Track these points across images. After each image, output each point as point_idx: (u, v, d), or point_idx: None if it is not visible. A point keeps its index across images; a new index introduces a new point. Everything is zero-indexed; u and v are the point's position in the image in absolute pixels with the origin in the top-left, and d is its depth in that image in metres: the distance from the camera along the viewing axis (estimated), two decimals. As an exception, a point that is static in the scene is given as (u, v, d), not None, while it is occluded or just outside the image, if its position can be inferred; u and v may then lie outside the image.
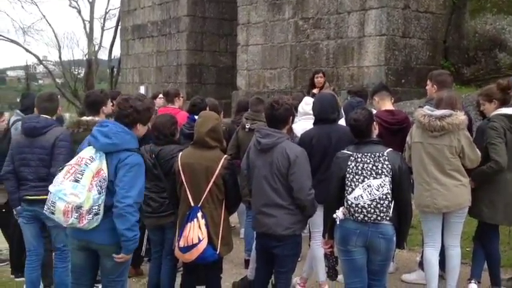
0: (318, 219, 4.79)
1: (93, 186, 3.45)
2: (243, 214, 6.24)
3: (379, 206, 3.72)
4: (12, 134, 5.48)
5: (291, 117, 4.19)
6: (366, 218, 3.72)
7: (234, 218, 7.08)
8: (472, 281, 4.69)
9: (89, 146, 3.61)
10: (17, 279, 5.60)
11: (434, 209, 4.45)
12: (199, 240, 3.94)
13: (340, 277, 5.16)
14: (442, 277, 4.72)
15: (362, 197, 3.71)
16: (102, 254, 3.67)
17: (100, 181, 3.48)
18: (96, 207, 3.46)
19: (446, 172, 4.41)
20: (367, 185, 3.71)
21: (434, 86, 5.11)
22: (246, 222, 5.87)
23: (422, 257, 5.02)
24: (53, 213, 3.49)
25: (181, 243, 4.00)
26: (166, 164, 4.43)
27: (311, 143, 4.57)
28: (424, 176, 4.46)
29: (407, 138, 4.66)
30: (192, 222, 3.98)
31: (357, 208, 3.73)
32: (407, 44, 10.20)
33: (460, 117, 4.36)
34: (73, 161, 3.57)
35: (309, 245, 5.00)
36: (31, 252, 4.68)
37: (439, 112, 4.39)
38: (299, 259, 5.83)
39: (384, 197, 3.72)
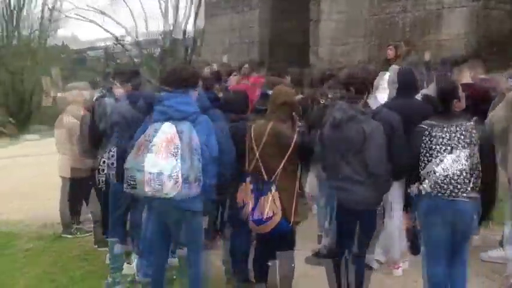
0: (393, 194, 4.72)
1: (167, 154, 3.62)
2: (316, 190, 6.22)
3: (468, 176, 3.58)
4: (95, 110, 5.74)
5: (367, 92, 4.12)
6: (456, 190, 3.59)
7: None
8: (557, 261, 4.49)
9: (155, 123, 3.79)
10: (100, 249, 5.88)
11: None
12: (274, 214, 4.00)
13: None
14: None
15: (451, 168, 3.59)
16: (180, 219, 3.84)
17: (174, 149, 3.64)
18: (175, 174, 3.63)
19: None
20: (456, 156, 3.59)
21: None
22: (318, 198, 5.86)
23: (503, 235, 4.85)
24: (134, 188, 3.67)
25: (256, 216, 4.07)
26: (237, 140, 4.45)
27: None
28: None
29: (491, 112, 4.46)
30: (266, 196, 4.03)
31: (445, 180, 3.60)
32: (489, 15, 9.71)
33: None
34: (141, 138, 3.76)
35: (383, 222, 4.93)
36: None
37: None
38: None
39: (474, 167, 3.60)
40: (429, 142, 3.68)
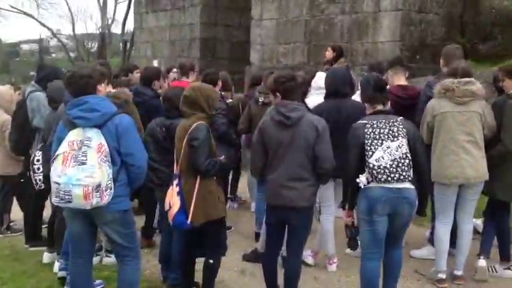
0: (327, 192, 4.84)
1: (101, 163, 3.48)
2: (253, 188, 6.28)
3: (400, 165, 3.76)
4: (28, 105, 5.56)
5: (297, 95, 4.12)
6: (389, 179, 3.75)
7: (245, 193, 7.14)
8: (481, 257, 4.70)
9: (74, 128, 3.60)
10: (31, 249, 5.71)
11: (463, 179, 4.43)
12: (170, 207, 4.01)
13: (349, 250, 5.21)
14: (450, 253, 4.74)
15: (383, 158, 3.76)
16: (103, 221, 3.72)
17: (105, 156, 3.52)
18: (110, 181, 3.52)
19: (474, 141, 4.41)
20: (387, 147, 3.77)
21: (442, 60, 5.10)
22: (257, 196, 5.91)
23: (431, 232, 5.04)
24: (69, 202, 3.48)
25: (165, 207, 4.12)
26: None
27: (321, 117, 4.59)
28: (452, 146, 4.42)
29: (425, 114, 4.61)
30: (171, 187, 4.05)
31: (379, 170, 3.76)
32: (423, 20, 10.07)
33: (481, 85, 4.43)
34: (64, 148, 3.53)
35: (319, 219, 5.03)
36: None
37: (465, 79, 4.40)
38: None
39: (404, 156, 3.78)
40: (362, 138, 3.83)
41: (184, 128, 4.05)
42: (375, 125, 3.84)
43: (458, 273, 4.64)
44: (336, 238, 5.10)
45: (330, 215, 4.90)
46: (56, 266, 4.93)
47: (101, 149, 3.51)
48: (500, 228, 4.75)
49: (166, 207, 4.09)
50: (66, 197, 3.46)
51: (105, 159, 3.51)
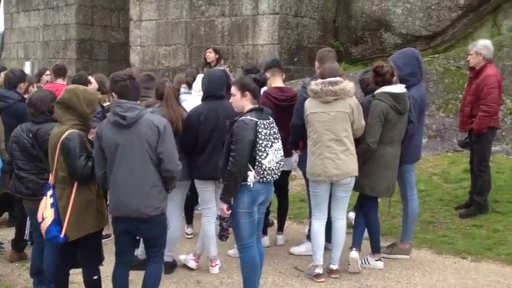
0: (208, 196, 4.83)
1: None
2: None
3: (280, 167, 4.08)
4: None
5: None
6: (271, 178, 4.04)
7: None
8: (354, 249, 4.90)
9: None
10: None
11: (325, 177, 4.58)
12: (43, 219, 3.79)
13: (231, 251, 5.24)
14: (326, 248, 4.91)
15: (273, 160, 3.99)
16: None
17: None
18: None
19: (338, 140, 4.56)
20: (275, 149, 4.01)
21: (317, 62, 5.28)
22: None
23: (310, 229, 5.19)
24: None
25: (38, 219, 3.90)
26: (45, 143, 4.07)
27: (199, 120, 4.59)
28: (318, 145, 4.58)
29: (305, 115, 4.74)
30: (45, 198, 3.83)
31: (269, 171, 3.98)
32: (299, 23, 10.41)
33: (350, 84, 4.61)
34: None
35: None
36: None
37: (330, 79, 4.56)
38: (191, 236, 5.87)
39: (282, 157, 4.10)
40: (255, 136, 3.92)
41: (56, 136, 3.79)
42: (265, 126, 3.98)
43: (334, 267, 4.81)
44: (218, 240, 5.09)
45: (211, 217, 4.85)
46: None
47: None
48: (369, 223, 4.99)
49: (39, 219, 3.83)
50: None
51: None
